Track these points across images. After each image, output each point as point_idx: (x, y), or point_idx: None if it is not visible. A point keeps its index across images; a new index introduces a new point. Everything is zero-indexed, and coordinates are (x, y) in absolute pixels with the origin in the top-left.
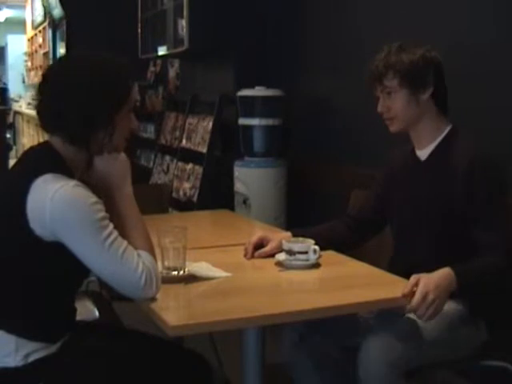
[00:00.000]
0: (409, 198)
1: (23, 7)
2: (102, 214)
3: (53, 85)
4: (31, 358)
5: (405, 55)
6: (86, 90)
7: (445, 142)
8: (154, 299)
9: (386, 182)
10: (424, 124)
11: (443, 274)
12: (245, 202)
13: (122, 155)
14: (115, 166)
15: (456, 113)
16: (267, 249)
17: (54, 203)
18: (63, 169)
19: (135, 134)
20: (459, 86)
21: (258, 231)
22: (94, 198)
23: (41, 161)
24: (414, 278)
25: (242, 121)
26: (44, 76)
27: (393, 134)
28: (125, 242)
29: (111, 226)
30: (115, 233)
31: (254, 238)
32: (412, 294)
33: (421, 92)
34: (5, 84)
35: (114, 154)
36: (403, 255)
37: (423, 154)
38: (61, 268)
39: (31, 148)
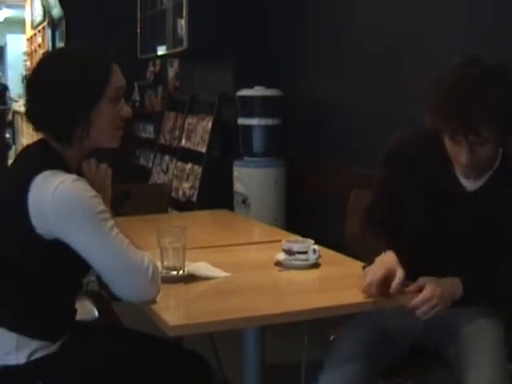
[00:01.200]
0: (441, 220)
1: (22, 7)
2: (103, 207)
3: (32, 84)
4: (32, 357)
5: (503, 97)
6: (56, 88)
7: (498, 172)
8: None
9: (401, 179)
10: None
11: (452, 282)
12: (244, 201)
13: (103, 166)
14: (95, 175)
15: None
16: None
17: (56, 199)
18: (61, 164)
19: (135, 134)
20: None
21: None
22: (93, 192)
23: (38, 158)
24: (422, 279)
25: (242, 121)
26: (27, 76)
27: (391, 136)
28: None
29: (112, 220)
30: (116, 227)
31: (379, 275)
32: (416, 292)
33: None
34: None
35: (94, 162)
36: (411, 262)
37: (471, 184)
38: (61, 267)
39: (28, 146)
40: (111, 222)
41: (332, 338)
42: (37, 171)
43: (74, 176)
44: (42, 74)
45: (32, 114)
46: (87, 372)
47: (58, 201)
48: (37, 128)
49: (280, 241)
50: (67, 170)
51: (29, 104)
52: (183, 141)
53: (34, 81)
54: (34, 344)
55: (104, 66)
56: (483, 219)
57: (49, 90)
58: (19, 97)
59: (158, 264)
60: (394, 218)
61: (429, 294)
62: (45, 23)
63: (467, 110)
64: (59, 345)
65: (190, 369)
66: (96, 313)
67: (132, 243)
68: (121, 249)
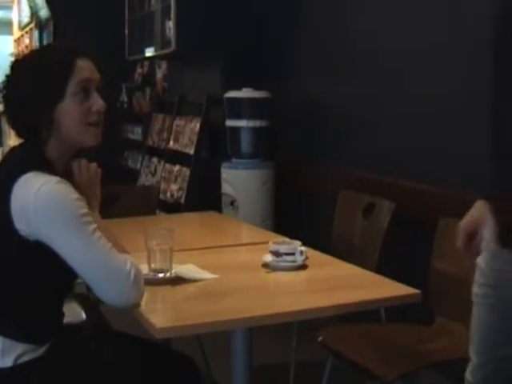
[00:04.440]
0: None
1: (10, 8)
2: (85, 210)
3: (2, 88)
4: (19, 360)
5: None
6: (13, 92)
7: None
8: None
9: None
10: None
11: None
12: (232, 203)
13: (93, 165)
14: (84, 176)
15: None
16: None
17: (38, 200)
18: (45, 166)
19: (123, 136)
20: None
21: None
22: (76, 195)
23: (23, 160)
24: None
25: (229, 122)
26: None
27: (379, 137)
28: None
29: (95, 223)
30: (99, 230)
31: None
32: None
33: None
34: None
35: (84, 162)
36: None
37: None
38: (47, 269)
39: (13, 148)
40: (93, 226)
41: (320, 338)
42: (20, 173)
43: (57, 178)
44: (6, 78)
45: (5, 118)
46: (75, 376)
47: (41, 202)
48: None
49: (267, 242)
50: (52, 171)
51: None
52: (171, 142)
53: (3, 84)
54: (20, 347)
55: (61, 64)
56: None
57: (8, 94)
58: None
59: (143, 267)
60: None
61: None
62: (32, 24)
63: None
64: (46, 348)
65: (179, 371)
66: (83, 315)
67: (116, 246)
68: (102, 252)
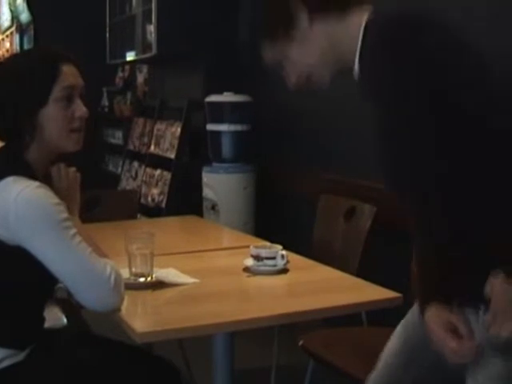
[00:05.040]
0: None
1: None
2: (66, 215)
3: None
4: None
5: None
6: None
7: None
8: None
9: None
10: None
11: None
12: (213, 207)
13: (72, 170)
14: (63, 181)
15: None
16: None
17: (18, 204)
18: (25, 170)
19: (104, 140)
20: None
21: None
22: (56, 199)
23: (2, 164)
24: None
25: (210, 126)
26: None
27: (360, 141)
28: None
29: (75, 228)
30: (79, 235)
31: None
32: None
33: None
34: None
35: (63, 167)
36: None
37: None
38: (28, 274)
39: None
40: (73, 230)
41: (301, 342)
42: (0, 177)
43: (37, 183)
44: None
45: None
46: (55, 381)
47: (21, 207)
48: None
49: (249, 246)
50: (33, 175)
51: None
52: (152, 147)
53: None
54: (0, 353)
55: (46, 69)
56: None
57: None
58: None
59: (124, 271)
60: None
61: None
62: (13, 28)
63: None
64: (27, 353)
65: (160, 376)
66: (65, 320)
67: (96, 251)
68: (82, 257)
